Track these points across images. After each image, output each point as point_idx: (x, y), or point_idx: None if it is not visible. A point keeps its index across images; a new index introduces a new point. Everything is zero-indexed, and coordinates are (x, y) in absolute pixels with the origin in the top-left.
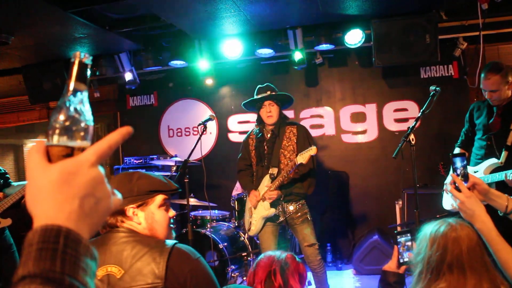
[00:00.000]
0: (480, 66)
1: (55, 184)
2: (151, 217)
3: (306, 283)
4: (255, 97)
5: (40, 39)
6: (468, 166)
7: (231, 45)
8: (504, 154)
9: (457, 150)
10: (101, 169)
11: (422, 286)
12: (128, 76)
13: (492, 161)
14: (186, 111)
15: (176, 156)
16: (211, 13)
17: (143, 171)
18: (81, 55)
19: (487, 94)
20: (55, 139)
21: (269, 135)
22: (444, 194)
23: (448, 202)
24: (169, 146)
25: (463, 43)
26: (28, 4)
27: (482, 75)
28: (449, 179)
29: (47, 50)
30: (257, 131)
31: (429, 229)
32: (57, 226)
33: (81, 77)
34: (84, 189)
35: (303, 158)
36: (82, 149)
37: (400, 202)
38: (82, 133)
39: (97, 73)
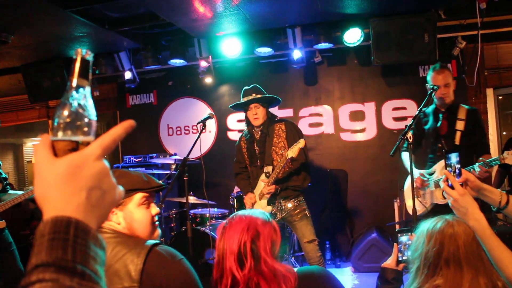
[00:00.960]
0: (478, 65)
1: (63, 177)
2: (130, 216)
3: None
4: (240, 101)
5: (39, 38)
6: (423, 171)
7: (230, 43)
8: None
9: (406, 155)
10: (106, 162)
11: (420, 282)
12: (128, 74)
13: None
14: (186, 109)
15: (175, 154)
16: (211, 11)
17: (139, 169)
18: (83, 52)
19: (441, 90)
20: (60, 134)
21: (258, 135)
22: (408, 198)
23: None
24: (168, 145)
25: (461, 42)
26: (28, 3)
27: (433, 73)
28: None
29: (47, 49)
30: (247, 133)
31: (426, 225)
32: (67, 217)
33: (83, 73)
34: (90, 182)
35: (293, 152)
36: (87, 143)
37: (398, 200)
38: (86, 128)
39: (97, 72)
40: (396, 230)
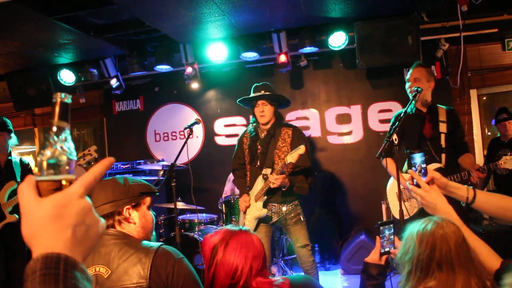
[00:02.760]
0: (461, 67)
1: (49, 217)
2: (143, 216)
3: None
4: (250, 95)
5: (24, 45)
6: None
7: (216, 49)
8: (443, 156)
9: (390, 161)
10: (88, 199)
11: (412, 286)
12: (114, 81)
13: (434, 165)
14: (173, 115)
15: (163, 160)
16: (195, 17)
17: (130, 176)
18: (62, 95)
19: (410, 84)
20: (44, 174)
21: (263, 135)
22: (392, 201)
23: (396, 209)
24: (156, 151)
25: (444, 44)
26: (12, 10)
27: (410, 69)
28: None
29: (32, 56)
30: (252, 129)
31: (415, 228)
32: (57, 253)
33: (63, 116)
34: (75, 219)
35: (292, 157)
36: (70, 182)
37: (386, 202)
38: (67, 167)
39: (82, 79)
40: (378, 222)
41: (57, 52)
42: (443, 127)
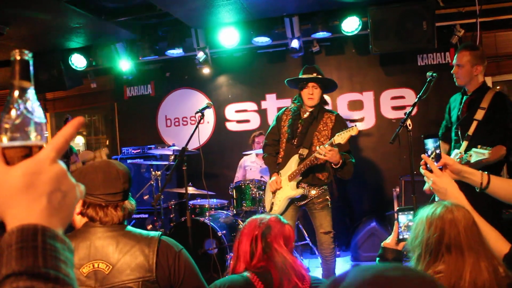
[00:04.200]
0: None
1: (21, 186)
2: None
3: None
4: (301, 76)
5: (35, 29)
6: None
7: (228, 33)
8: (464, 144)
9: (442, 144)
10: (61, 163)
11: (422, 269)
12: (125, 66)
13: (455, 152)
14: (183, 100)
15: (174, 145)
16: (207, 1)
17: (137, 161)
18: (21, 52)
19: (454, 69)
20: (9, 139)
21: (305, 115)
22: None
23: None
24: (166, 136)
25: (460, 30)
26: None
27: (456, 52)
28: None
29: (43, 40)
30: (295, 108)
31: (425, 212)
32: (33, 225)
33: (24, 75)
34: (49, 186)
35: (341, 138)
36: (40, 147)
37: (398, 189)
38: (35, 132)
39: (94, 64)
40: (397, 208)
41: (69, 36)
42: (479, 114)
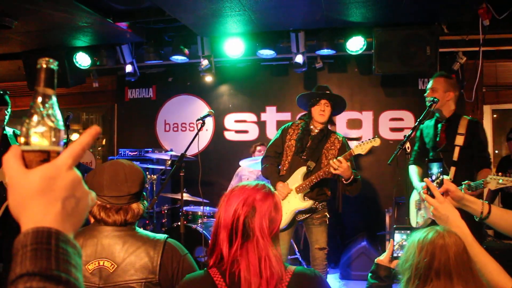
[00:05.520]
0: (477, 81)
1: (38, 189)
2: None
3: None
4: (316, 91)
5: (43, 25)
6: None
7: (233, 44)
8: (452, 170)
9: (413, 168)
10: (77, 171)
11: None
12: (129, 68)
13: (445, 178)
14: (184, 106)
15: (171, 150)
16: (216, 10)
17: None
18: (48, 61)
19: (427, 93)
20: (30, 144)
21: (316, 131)
22: (412, 210)
23: (414, 219)
24: (164, 141)
25: (462, 58)
26: None
27: (431, 79)
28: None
29: (49, 36)
30: (304, 124)
31: (417, 236)
32: (47, 228)
33: (48, 83)
34: (65, 191)
35: (362, 149)
36: (57, 153)
37: (391, 210)
38: (54, 138)
39: (97, 63)
40: (394, 226)
41: (75, 34)
42: (459, 140)
